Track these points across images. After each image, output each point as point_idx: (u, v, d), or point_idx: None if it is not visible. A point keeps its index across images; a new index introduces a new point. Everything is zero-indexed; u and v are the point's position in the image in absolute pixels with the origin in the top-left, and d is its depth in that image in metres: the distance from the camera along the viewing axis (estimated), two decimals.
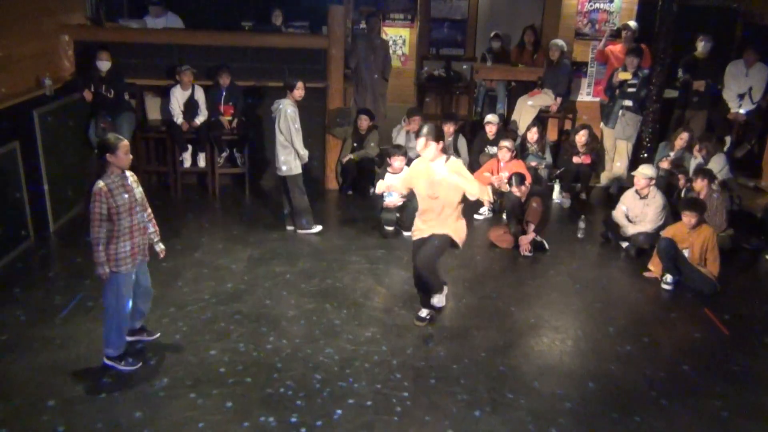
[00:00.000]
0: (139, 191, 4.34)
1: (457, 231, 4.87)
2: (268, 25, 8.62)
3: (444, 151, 4.74)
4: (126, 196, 4.17)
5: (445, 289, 5.11)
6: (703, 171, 6.50)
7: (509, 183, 6.62)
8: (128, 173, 4.29)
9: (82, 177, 7.07)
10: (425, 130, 4.64)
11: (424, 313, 5.13)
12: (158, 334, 4.77)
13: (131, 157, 4.25)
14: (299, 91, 6.44)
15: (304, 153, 6.52)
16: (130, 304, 4.39)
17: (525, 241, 6.42)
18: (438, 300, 5.01)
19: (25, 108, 6.15)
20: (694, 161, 7.20)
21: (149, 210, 4.50)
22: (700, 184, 6.35)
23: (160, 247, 4.61)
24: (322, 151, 8.04)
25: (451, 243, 4.88)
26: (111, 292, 4.27)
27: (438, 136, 4.65)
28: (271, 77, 7.70)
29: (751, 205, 7.45)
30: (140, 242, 4.35)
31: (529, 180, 6.73)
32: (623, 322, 5.32)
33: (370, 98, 8.76)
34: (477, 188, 4.69)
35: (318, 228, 6.78)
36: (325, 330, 4.97)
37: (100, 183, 4.09)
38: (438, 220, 4.83)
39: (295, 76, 6.50)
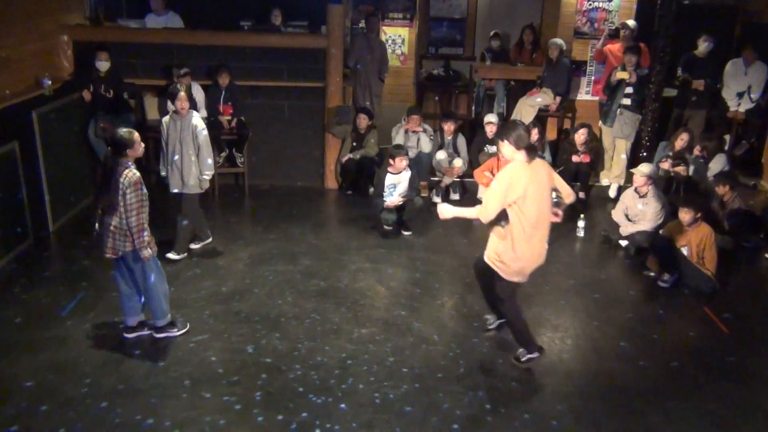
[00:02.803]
0: None
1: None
2: (267, 25, 8.62)
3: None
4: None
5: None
6: (726, 175, 6.48)
7: None
8: None
9: (82, 177, 7.08)
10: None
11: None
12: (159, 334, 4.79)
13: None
14: (178, 103, 5.71)
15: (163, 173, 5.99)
16: None
17: None
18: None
19: (25, 108, 6.14)
20: (694, 160, 7.21)
21: None
22: (722, 189, 6.35)
23: None
24: (322, 150, 8.04)
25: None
26: (154, 270, 4.59)
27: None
28: (271, 77, 7.70)
29: (751, 204, 7.45)
30: None
31: None
32: (623, 320, 5.32)
33: (368, 98, 8.76)
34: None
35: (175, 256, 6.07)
36: (325, 330, 4.98)
37: (137, 173, 4.32)
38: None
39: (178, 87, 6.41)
